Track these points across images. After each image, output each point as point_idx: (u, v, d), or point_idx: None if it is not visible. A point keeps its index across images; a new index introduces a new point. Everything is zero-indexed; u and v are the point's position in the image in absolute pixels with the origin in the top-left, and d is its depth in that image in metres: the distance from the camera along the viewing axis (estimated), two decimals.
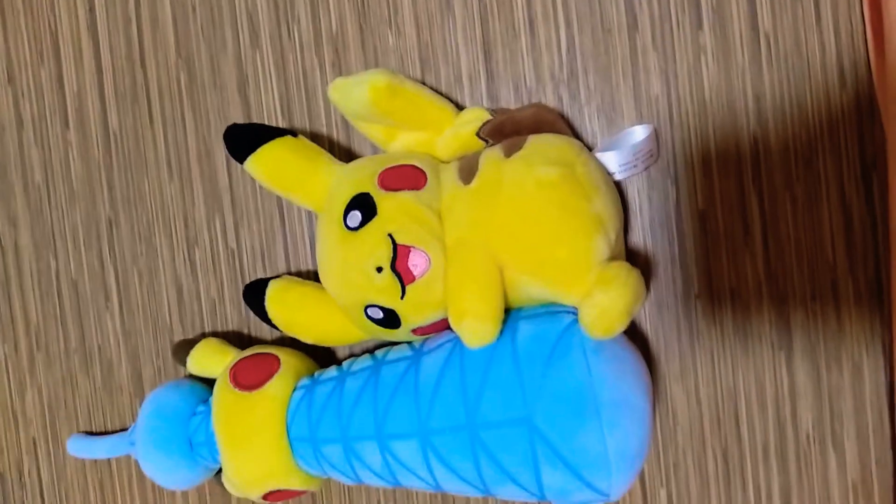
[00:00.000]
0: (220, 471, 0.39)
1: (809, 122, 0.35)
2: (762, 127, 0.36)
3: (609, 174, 0.34)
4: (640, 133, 0.35)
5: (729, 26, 0.36)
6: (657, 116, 0.37)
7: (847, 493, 0.36)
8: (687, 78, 0.36)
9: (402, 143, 0.36)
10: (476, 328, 0.31)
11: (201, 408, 0.38)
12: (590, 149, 0.35)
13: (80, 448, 0.43)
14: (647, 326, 0.38)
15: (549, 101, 0.37)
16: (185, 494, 0.44)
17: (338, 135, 0.40)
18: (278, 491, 0.36)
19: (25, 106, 0.44)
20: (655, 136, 0.36)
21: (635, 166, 0.35)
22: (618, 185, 0.36)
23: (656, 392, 0.38)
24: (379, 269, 0.32)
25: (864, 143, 0.35)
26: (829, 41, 0.35)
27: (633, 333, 0.37)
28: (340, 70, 0.39)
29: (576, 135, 0.36)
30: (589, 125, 0.37)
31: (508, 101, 0.38)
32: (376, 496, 0.41)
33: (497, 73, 0.38)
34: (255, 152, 0.35)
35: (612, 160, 0.34)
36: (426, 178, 0.33)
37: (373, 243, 0.32)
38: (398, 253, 0.32)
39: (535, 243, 0.30)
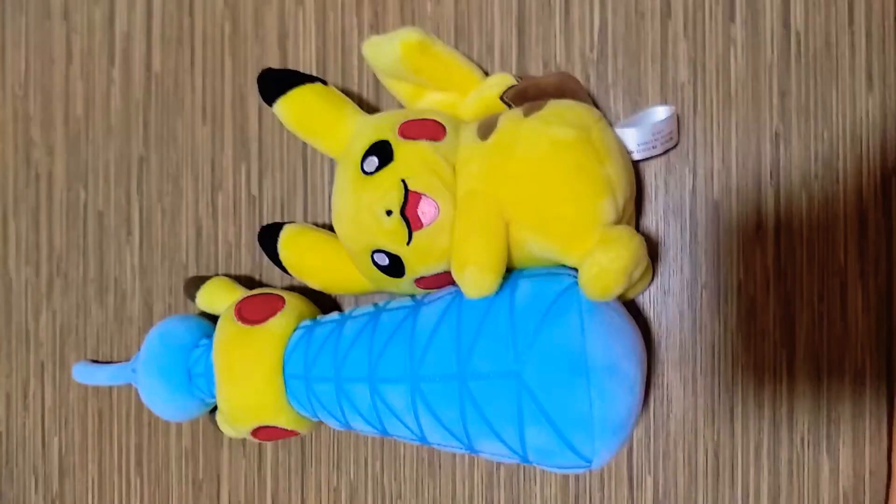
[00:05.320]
0: (214, 409, 0.40)
1: (833, 123, 0.35)
2: (785, 123, 0.36)
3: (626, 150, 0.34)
4: (661, 113, 0.35)
5: (761, 21, 0.36)
6: (682, 103, 0.37)
7: (837, 502, 0.36)
8: (715, 68, 0.37)
9: (428, 103, 0.37)
10: (477, 278, 0.31)
11: (204, 341, 0.39)
12: (610, 125, 0.35)
13: (84, 374, 0.44)
14: (651, 311, 0.38)
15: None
16: (178, 432, 0.44)
17: (368, 93, 0.41)
18: (267, 427, 0.37)
19: (76, 41, 0.46)
20: (677, 119, 0.36)
21: (654, 147, 0.35)
22: (635, 167, 0.36)
23: (653, 377, 0.38)
24: (389, 214, 0.32)
25: (887, 150, 0.35)
26: (860, 44, 0.35)
27: (636, 316, 0.37)
28: (378, 31, 0.41)
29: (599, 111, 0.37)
30: (613, 106, 0.38)
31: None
32: (364, 451, 0.41)
33: (528, 47, 0.39)
34: (285, 94, 0.36)
35: (631, 138, 0.34)
36: (445, 132, 0.34)
37: (385, 187, 0.33)
38: (409, 199, 0.32)
39: (543, 199, 0.31)
